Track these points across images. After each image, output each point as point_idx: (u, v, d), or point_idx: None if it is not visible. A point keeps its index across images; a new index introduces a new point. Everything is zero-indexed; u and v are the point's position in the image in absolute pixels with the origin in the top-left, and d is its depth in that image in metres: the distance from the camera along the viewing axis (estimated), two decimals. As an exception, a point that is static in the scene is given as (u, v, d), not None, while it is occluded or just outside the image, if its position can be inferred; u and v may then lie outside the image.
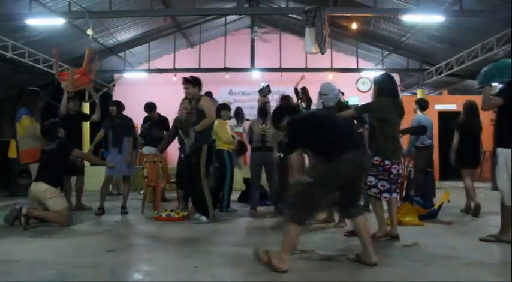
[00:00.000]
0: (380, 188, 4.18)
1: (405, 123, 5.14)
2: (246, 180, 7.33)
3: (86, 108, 11.43)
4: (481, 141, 6.15)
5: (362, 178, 3.57)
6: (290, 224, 3.09)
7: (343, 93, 12.00)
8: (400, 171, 4.38)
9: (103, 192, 6.17)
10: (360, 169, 3.28)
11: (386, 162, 4.15)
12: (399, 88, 13.18)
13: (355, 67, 12.42)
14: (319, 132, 3.22)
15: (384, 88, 4.34)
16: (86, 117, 7.33)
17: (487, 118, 6.47)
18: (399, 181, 4.46)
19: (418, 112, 6.98)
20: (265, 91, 8.17)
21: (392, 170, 4.19)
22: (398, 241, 4.11)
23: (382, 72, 12.68)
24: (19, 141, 5.72)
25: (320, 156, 3.18)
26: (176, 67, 12.40)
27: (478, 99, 8.07)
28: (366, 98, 11.99)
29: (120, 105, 6.38)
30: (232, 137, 6.64)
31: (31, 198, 5.17)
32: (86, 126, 11.45)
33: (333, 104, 5.05)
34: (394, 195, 4.35)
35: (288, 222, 3.10)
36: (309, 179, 3.03)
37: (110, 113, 6.36)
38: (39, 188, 5.06)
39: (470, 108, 6.07)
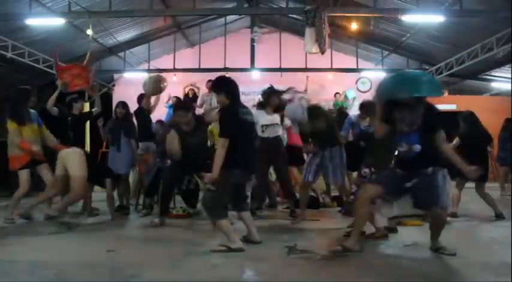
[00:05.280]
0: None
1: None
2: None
3: (86, 107, 11.42)
4: (487, 154, 5.84)
5: (245, 189, 4.22)
6: (218, 222, 3.79)
7: (339, 93, 12.07)
8: None
9: (119, 194, 6.30)
10: (243, 182, 4.07)
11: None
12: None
13: (355, 67, 12.42)
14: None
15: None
16: (91, 115, 7.28)
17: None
18: None
19: None
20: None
21: None
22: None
23: (383, 72, 12.79)
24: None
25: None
26: (176, 67, 12.41)
27: (478, 100, 8.07)
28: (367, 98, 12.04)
29: (128, 107, 6.59)
30: None
31: (58, 163, 5.30)
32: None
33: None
34: None
35: (216, 222, 3.82)
36: (213, 187, 3.77)
37: (119, 114, 6.49)
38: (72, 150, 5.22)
39: (470, 118, 5.76)
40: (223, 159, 3.74)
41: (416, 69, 12.62)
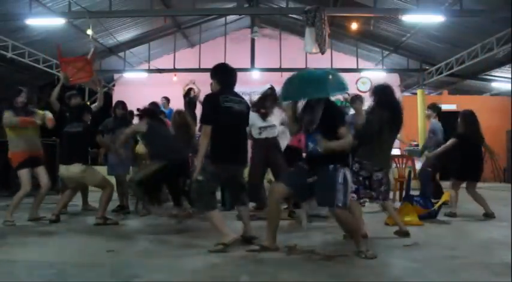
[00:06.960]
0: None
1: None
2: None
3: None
4: (481, 152, 5.86)
5: (239, 179, 4.18)
6: (208, 214, 3.81)
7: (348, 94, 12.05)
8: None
9: (120, 194, 6.36)
10: (234, 174, 4.05)
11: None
12: (399, 88, 13.24)
13: (355, 67, 12.42)
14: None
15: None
16: (90, 110, 7.26)
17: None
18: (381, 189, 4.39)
19: (432, 119, 6.91)
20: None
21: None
22: (409, 237, 4.24)
23: (383, 72, 12.74)
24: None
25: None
26: (176, 67, 12.41)
27: (478, 100, 8.09)
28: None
29: (127, 107, 6.62)
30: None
31: (66, 180, 5.47)
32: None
33: None
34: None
35: (205, 214, 3.83)
36: (201, 177, 3.77)
37: (118, 114, 6.54)
38: (75, 170, 5.20)
39: (469, 117, 5.80)
40: (210, 151, 3.79)
41: (416, 69, 12.66)
